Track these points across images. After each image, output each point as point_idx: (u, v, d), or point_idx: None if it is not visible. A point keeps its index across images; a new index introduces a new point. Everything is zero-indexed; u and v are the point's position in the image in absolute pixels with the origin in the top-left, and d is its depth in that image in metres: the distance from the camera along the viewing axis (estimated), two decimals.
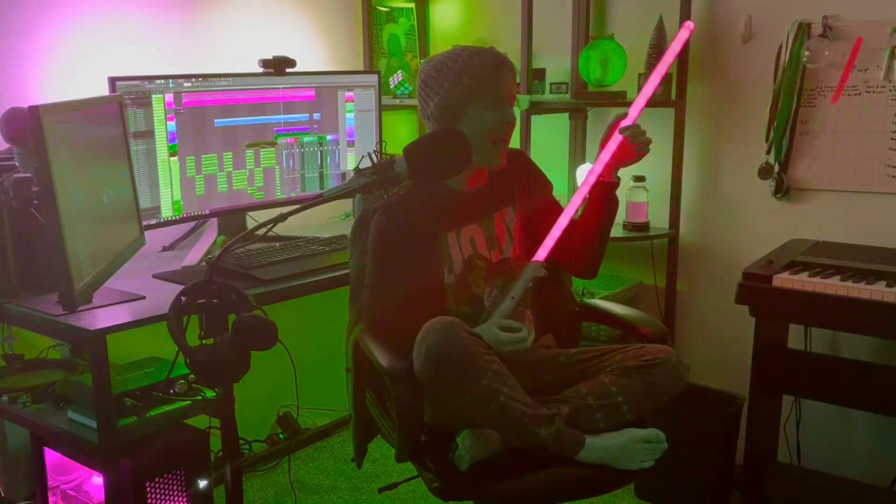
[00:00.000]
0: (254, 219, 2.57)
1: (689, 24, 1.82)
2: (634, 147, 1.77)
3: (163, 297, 1.91)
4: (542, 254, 1.84)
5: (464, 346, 1.56)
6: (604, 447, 1.64)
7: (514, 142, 2.63)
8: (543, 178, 2.01)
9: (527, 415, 1.59)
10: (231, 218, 2.49)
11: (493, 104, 1.76)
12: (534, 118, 2.75)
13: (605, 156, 1.81)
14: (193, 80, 2.31)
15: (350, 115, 2.72)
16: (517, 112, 2.67)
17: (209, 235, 2.47)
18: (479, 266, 1.84)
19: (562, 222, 1.85)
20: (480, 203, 1.87)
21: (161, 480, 1.97)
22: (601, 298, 2.50)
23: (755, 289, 2.15)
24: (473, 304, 1.82)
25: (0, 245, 1.97)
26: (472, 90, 1.75)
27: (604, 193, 1.85)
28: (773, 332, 2.26)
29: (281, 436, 2.94)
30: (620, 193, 2.68)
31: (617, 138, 1.78)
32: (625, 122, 1.78)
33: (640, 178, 2.68)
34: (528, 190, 1.95)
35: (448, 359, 1.54)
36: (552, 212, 1.92)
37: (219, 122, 2.38)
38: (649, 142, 1.78)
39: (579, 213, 1.90)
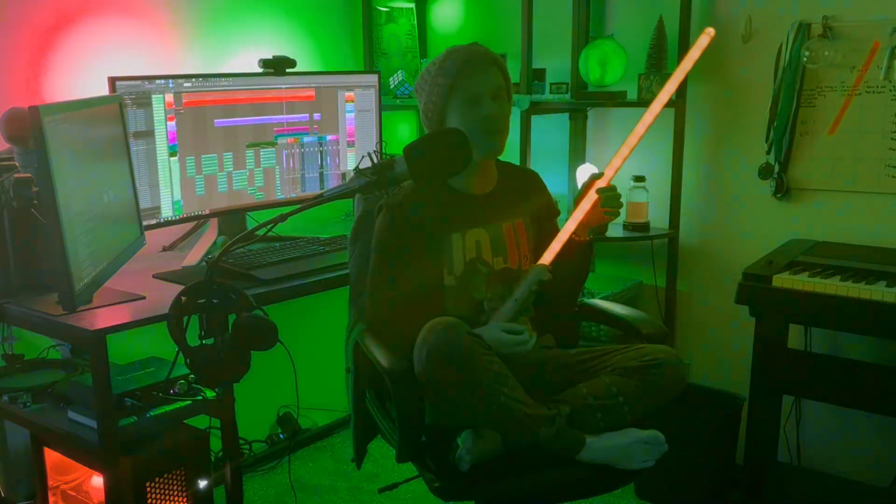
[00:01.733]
0: (254, 219, 2.57)
1: (710, 31, 1.77)
2: (603, 210, 1.76)
3: (163, 297, 1.91)
4: (547, 258, 1.84)
5: (464, 347, 1.56)
6: (604, 447, 1.64)
7: (515, 142, 2.64)
8: (553, 201, 2.01)
9: (527, 415, 1.59)
10: (231, 218, 2.49)
11: (469, 101, 1.77)
12: (534, 118, 2.75)
13: (579, 214, 1.80)
14: (193, 80, 2.31)
15: (350, 115, 2.72)
16: (517, 112, 2.66)
17: (209, 235, 2.47)
18: (480, 271, 1.83)
19: (569, 226, 1.84)
20: (489, 208, 1.86)
21: (161, 480, 1.96)
22: (601, 298, 2.50)
23: (755, 289, 2.15)
24: (472, 308, 1.82)
25: (0, 245, 1.97)
26: (448, 90, 1.77)
27: (578, 250, 1.85)
28: (773, 332, 2.26)
29: (281, 436, 2.94)
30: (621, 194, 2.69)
31: (591, 197, 1.77)
32: (600, 183, 1.76)
33: (640, 178, 2.69)
34: (538, 208, 1.95)
35: (449, 360, 1.54)
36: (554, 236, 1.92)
37: (219, 122, 2.38)
38: (620, 206, 1.78)
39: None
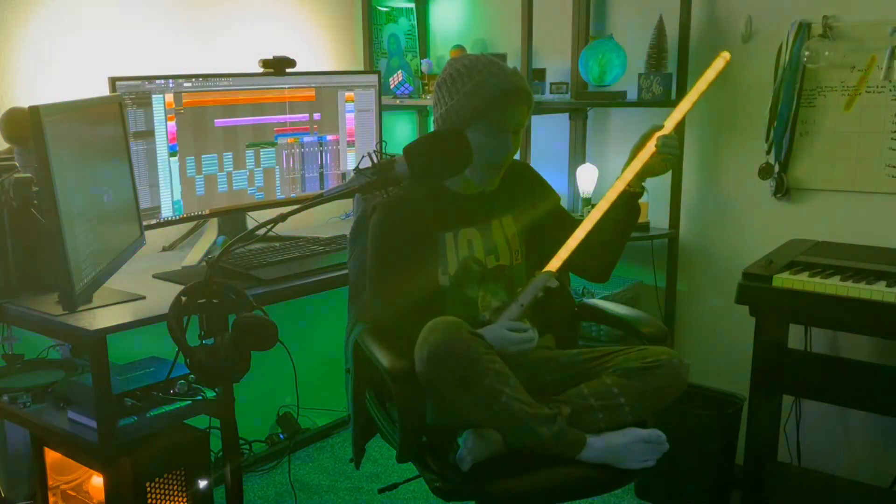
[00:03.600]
0: (254, 219, 2.57)
1: (726, 55, 1.76)
2: (661, 158, 1.75)
3: (163, 297, 1.91)
4: (555, 264, 1.83)
5: (466, 347, 1.56)
6: (605, 447, 1.64)
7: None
8: (548, 188, 1.99)
9: (529, 415, 1.59)
10: (231, 218, 2.49)
11: (493, 132, 1.75)
12: (534, 118, 2.75)
13: (637, 164, 1.78)
14: (193, 80, 2.31)
15: (350, 115, 2.72)
16: None
17: (209, 235, 2.47)
18: (473, 269, 1.83)
19: (579, 234, 1.83)
20: (480, 207, 1.86)
21: (161, 480, 1.96)
22: (601, 298, 2.50)
23: (755, 289, 2.15)
24: (467, 307, 1.81)
25: (0, 245, 1.97)
26: (477, 113, 1.74)
27: (627, 202, 1.84)
28: (773, 332, 2.26)
29: (281, 436, 2.94)
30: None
31: (650, 148, 1.76)
32: (662, 133, 1.75)
33: None
34: (529, 200, 1.93)
35: (450, 359, 1.54)
36: (559, 222, 1.91)
37: (219, 122, 2.38)
38: (678, 152, 1.76)
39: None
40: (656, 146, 1.74)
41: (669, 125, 1.77)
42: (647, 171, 1.80)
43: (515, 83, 1.75)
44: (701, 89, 1.78)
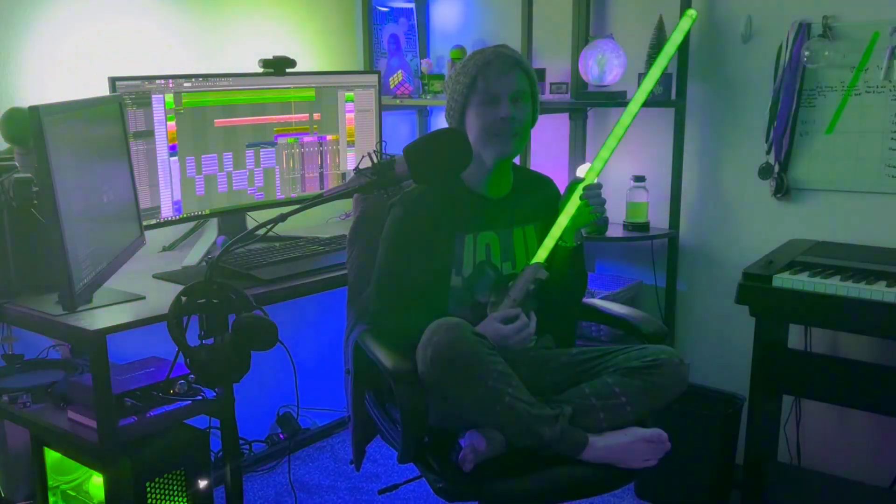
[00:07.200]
0: (254, 219, 2.57)
1: (692, 13, 1.80)
2: (589, 209, 1.78)
3: (163, 297, 1.90)
4: (541, 255, 1.84)
5: (469, 348, 1.56)
6: (607, 447, 1.64)
7: None
8: None
9: (531, 415, 1.59)
10: (231, 218, 2.49)
11: (486, 102, 1.76)
12: None
13: (564, 219, 1.81)
14: (193, 80, 2.31)
15: (350, 115, 2.72)
16: None
17: (209, 235, 2.47)
18: (487, 274, 1.83)
19: (555, 232, 1.84)
20: (501, 213, 1.86)
21: (161, 480, 1.96)
22: (601, 298, 2.50)
23: (755, 289, 2.15)
24: (475, 310, 1.81)
25: (0, 245, 1.97)
26: (467, 90, 1.78)
27: (565, 259, 1.86)
28: (773, 332, 2.26)
29: (281, 436, 2.94)
30: (620, 194, 2.70)
31: (575, 201, 1.79)
32: (585, 184, 1.79)
33: (640, 178, 2.68)
34: (549, 219, 1.92)
35: (454, 360, 1.55)
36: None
37: (219, 122, 2.38)
38: (602, 202, 1.79)
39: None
40: (581, 198, 1.78)
41: (591, 176, 1.80)
42: (578, 224, 1.83)
43: (498, 52, 1.79)
44: (669, 53, 1.83)
